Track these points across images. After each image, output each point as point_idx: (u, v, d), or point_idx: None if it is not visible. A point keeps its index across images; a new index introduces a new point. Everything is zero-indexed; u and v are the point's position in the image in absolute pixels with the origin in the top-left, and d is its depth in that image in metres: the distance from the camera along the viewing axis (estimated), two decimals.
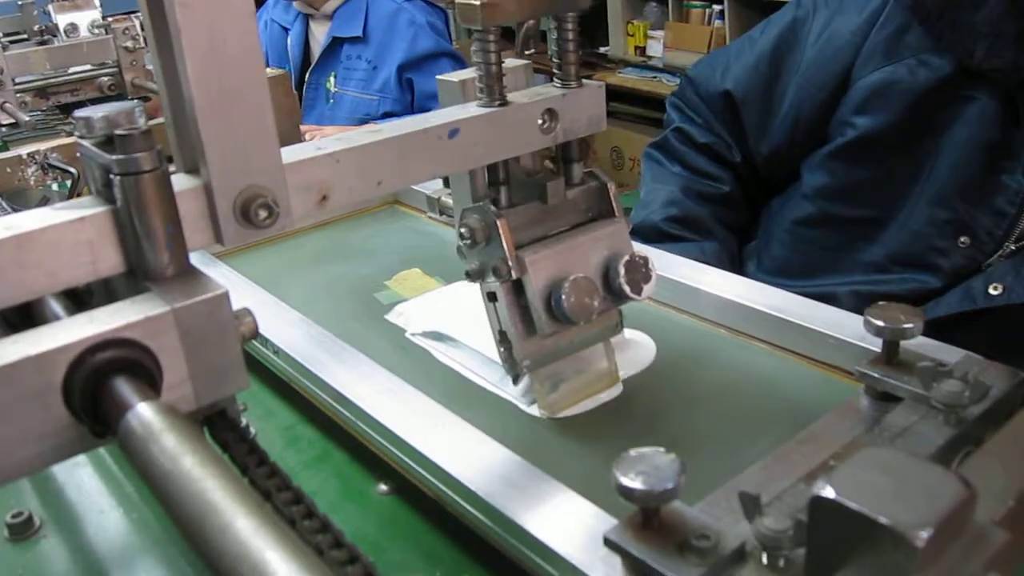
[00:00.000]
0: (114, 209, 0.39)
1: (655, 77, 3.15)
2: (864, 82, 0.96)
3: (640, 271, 0.60)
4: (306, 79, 2.20)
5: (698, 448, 0.60)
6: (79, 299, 0.42)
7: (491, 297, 0.60)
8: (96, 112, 0.39)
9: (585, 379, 0.65)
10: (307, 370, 0.65)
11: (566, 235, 0.59)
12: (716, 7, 2.98)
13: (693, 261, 0.81)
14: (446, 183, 0.96)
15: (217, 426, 0.41)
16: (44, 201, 1.02)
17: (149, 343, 0.37)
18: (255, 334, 0.41)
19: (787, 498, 0.42)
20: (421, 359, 0.74)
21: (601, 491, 0.46)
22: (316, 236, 1.03)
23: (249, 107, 0.41)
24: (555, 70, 0.58)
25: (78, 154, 0.41)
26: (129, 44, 1.33)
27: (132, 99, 1.27)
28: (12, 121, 1.24)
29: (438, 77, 0.62)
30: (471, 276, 0.59)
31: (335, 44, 2.16)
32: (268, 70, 1.18)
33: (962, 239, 0.92)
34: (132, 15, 1.34)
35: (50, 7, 1.45)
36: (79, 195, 0.89)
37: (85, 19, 1.42)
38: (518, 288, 0.58)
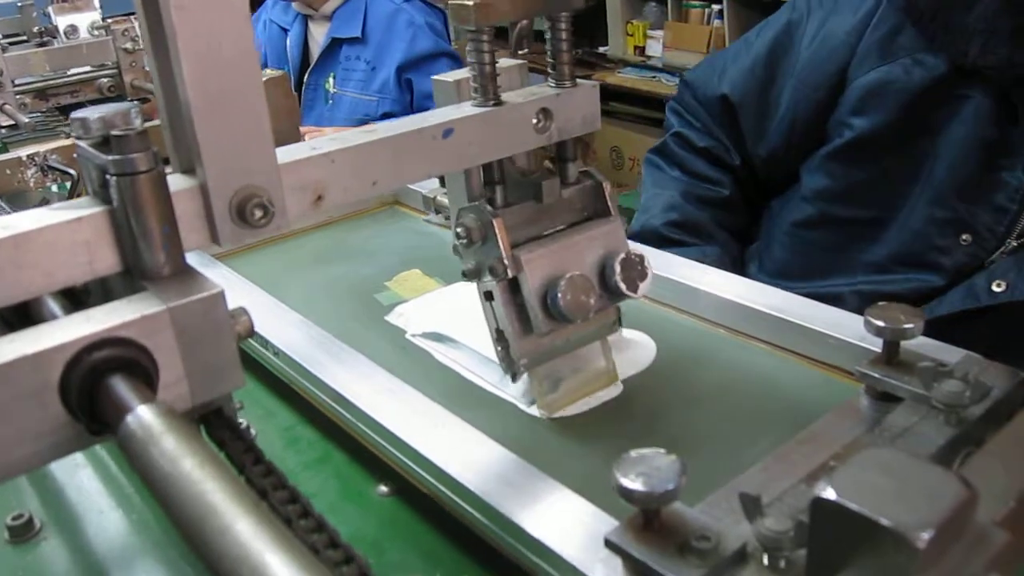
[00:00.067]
0: (111, 209, 0.39)
1: (654, 77, 3.14)
2: (860, 83, 0.96)
3: (636, 269, 0.60)
4: (305, 80, 2.20)
5: (698, 448, 0.60)
6: (76, 298, 0.43)
7: (488, 296, 0.60)
8: (93, 113, 0.39)
9: (583, 378, 0.66)
10: (307, 371, 0.65)
11: (562, 234, 0.60)
12: (715, 7, 2.98)
13: (693, 262, 0.81)
14: (442, 183, 0.97)
15: (213, 424, 0.42)
16: (44, 203, 1.02)
17: (145, 342, 0.37)
18: (250, 333, 0.42)
19: (788, 499, 0.42)
20: (421, 360, 0.74)
21: (601, 492, 0.46)
22: (316, 237, 1.03)
23: (244, 108, 0.41)
24: (549, 70, 0.58)
25: (75, 155, 0.41)
26: (129, 45, 1.32)
27: (132, 100, 1.27)
28: (12, 123, 1.24)
29: (433, 77, 0.62)
30: (467, 275, 0.59)
31: (334, 45, 2.16)
32: (268, 71, 1.19)
33: (963, 237, 0.92)
34: (132, 16, 1.34)
35: (50, 9, 1.45)
36: (78, 196, 0.89)
37: (85, 20, 1.42)
38: (514, 287, 0.58)
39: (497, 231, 0.56)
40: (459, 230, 0.58)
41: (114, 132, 0.38)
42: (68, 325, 0.36)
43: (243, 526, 0.29)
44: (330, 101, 2.17)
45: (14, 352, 0.35)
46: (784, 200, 1.11)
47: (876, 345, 0.56)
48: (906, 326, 0.53)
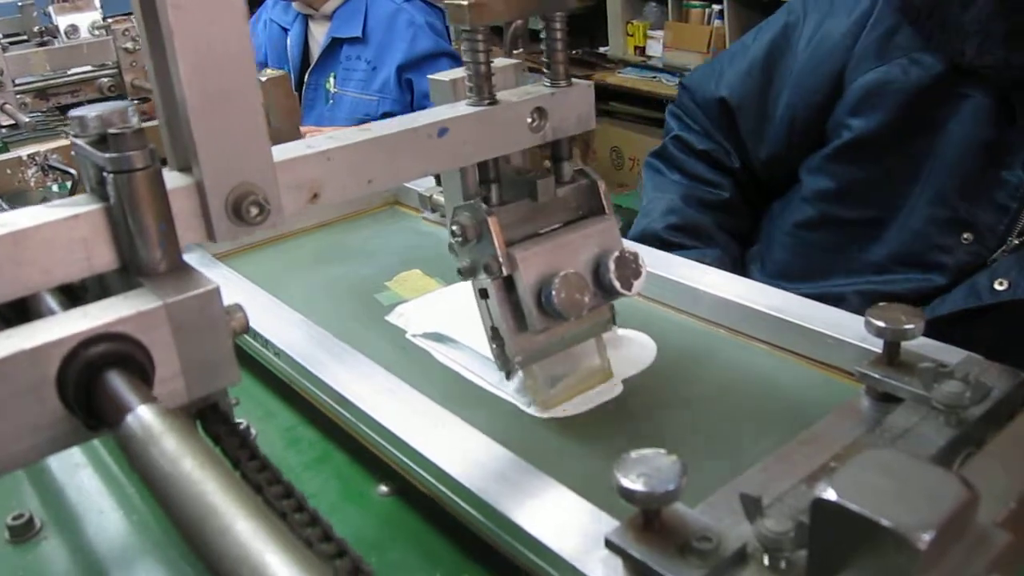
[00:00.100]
0: (108, 206, 0.40)
1: (655, 77, 3.14)
2: (858, 83, 0.96)
3: (630, 267, 0.60)
4: (305, 80, 2.20)
5: (699, 449, 0.60)
6: (74, 295, 0.43)
7: (483, 294, 0.60)
8: (90, 111, 0.40)
9: (578, 375, 0.66)
10: (308, 371, 0.65)
11: (557, 232, 0.60)
12: (716, 7, 2.98)
13: (693, 261, 0.82)
14: (438, 181, 0.97)
15: (209, 419, 0.42)
16: (44, 202, 1.02)
17: (141, 337, 0.38)
18: (246, 329, 0.42)
19: (788, 499, 0.42)
20: (421, 360, 0.74)
21: (601, 492, 0.46)
22: (316, 237, 1.03)
23: (241, 107, 0.42)
24: (544, 69, 0.58)
25: (73, 153, 0.42)
26: (129, 45, 1.33)
27: (132, 100, 1.27)
28: (12, 122, 1.24)
29: (429, 77, 0.63)
30: (463, 273, 0.59)
31: (334, 45, 2.16)
32: (268, 71, 1.18)
33: (965, 236, 0.92)
34: (132, 16, 1.34)
35: (50, 8, 1.45)
36: None
37: (85, 20, 1.42)
38: (509, 285, 0.59)
39: (492, 229, 0.57)
40: (454, 228, 0.58)
41: (111, 130, 0.39)
42: (65, 321, 0.37)
43: (243, 526, 0.29)
44: (331, 101, 2.17)
45: (11, 347, 0.35)
46: (784, 202, 1.11)
47: (876, 346, 0.56)
48: (907, 327, 0.53)
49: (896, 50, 0.94)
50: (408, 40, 2.08)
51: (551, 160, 0.61)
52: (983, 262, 0.92)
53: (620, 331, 0.75)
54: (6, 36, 1.47)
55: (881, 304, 0.55)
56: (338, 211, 1.06)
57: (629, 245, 0.62)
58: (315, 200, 0.47)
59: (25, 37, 1.50)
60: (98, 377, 0.36)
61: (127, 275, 0.40)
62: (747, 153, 1.12)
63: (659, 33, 3.19)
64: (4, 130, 1.31)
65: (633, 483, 0.39)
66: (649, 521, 0.41)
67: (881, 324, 0.53)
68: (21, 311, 0.41)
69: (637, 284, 0.60)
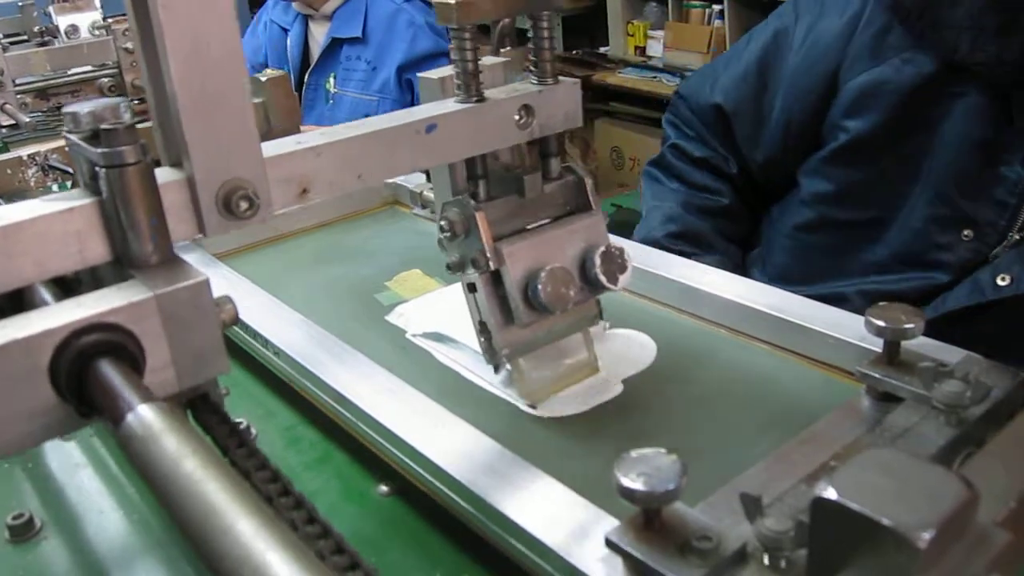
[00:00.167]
0: (100, 200, 0.40)
1: (655, 77, 3.14)
2: (852, 85, 0.96)
3: (616, 262, 0.61)
4: (306, 80, 2.20)
5: (699, 448, 0.60)
6: (68, 287, 0.44)
7: (471, 288, 0.61)
8: (83, 107, 0.41)
9: (565, 368, 0.67)
10: (308, 371, 0.65)
11: (544, 228, 0.61)
12: (716, 7, 2.98)
13: (693, 262, 0.82)
14: (428, 178, 0.99)
15: (200, 409, 0.43)
16: None
17: (132, 327, 0.39)
18: (235, 320, 0.43)
19: (788, 499, 0.42)
20: (421, 360, 0.74)
21: (602, 491, 0.46)
22: (316, 237, 1.03)
23: (230, 105, 0.42)
24: (532, 67, 0.59)
25: (67, 148, 0.43)
26: (129, 45, 1.33)
27: (133, 100, 1.27)
28: (12, 122, 1.24)
29: (419, 75, 0.64)
30: (451, 268, 0.61)
31: (334, 45, 2.16)
32: (268, 71, 1.18)
33: (965, 233, 0.92)
34: None
35: (51, 8, 1.45)
36: None
37: (86, 20, 1.42)
38: (497, 279, 0.60)
39: (480, 224, 0.58)
40: (443, 224, 0.59)
41: (103, 126, 0.39)
42: (58, 311, 0.38)
43: (245, 526, 0.29)
44: (331, 101, 2.17)
45: (5, 337, 0.36)
46: (783, 205, 1.11)
47: (877, 345, 0.56)
48: (907, 326, 0.53)
49: (889, 50, 0.94)
50: (408, 40, 2.08)
51: (539, 156, 0.62)
52: (984, 258, 0.92)
53: (620, 331, 0.75)
54: (6, 36, 1.47)
55: (881, 304, 0.55)
56: (338, 211, 1.06)
57: (615, 241, 0.62)
58: (305, 195, 0.48)
59: (25, 37, 1.50)
60: (90, 366, 0.37)
61: (120, 268, 0.41)
62: (744, 158, 1.12)
63: (659, 33, 3.19)
64: (4, 130, 1.31)
65: (633, 482, 0.40)
66: (649, 520, 0.41)
67: (881, 324, 0.53)
68: (16, 302, 0.42)
69: (623, 279, 0.61)
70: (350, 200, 1.07)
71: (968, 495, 0.31)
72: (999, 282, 0.89)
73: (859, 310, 0.67)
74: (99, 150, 0.39)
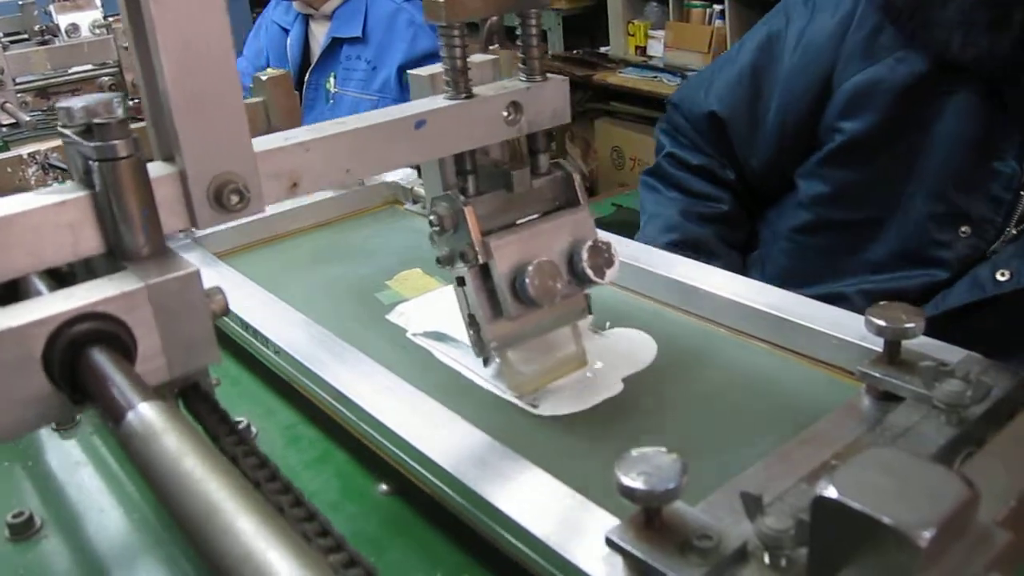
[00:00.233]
0: (93, 194, 0.41)
1: (656, 77, 3.14)
2: (846, 86, 0.97)
3: (603, 256, 0.62)
4: (306, 79, 2.20)
5: (699, 448, 0.60)
6: (62, 279, 0.44)
7: (460, 282, 0.62)
8: (76, 103, 0.41)
9: (553, 361, 0.67)
10: (308, 370, 0.65)
11: (532, 222, 0.62)
12: (717, 7, 2.98)
13: (694, 261, 0.82)
14: (420, 173, 1.00)
15: (191, 398, 0.44)
16: None
17: (124, 317, 0.40)
18: (225, 311, 0.44)
19: (789, 498, 0.42)
20: (422, 359, 0.74)
21: (602, 491, 0.46)
22: (316, 236, 1.03)
23: (221, 101, 0.43)
24: (520, 65, 0.60)
25: (61, 142, 0.44)
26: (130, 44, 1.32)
27: (133, 99, 1.27)
28: (13, 121, 1.25)
29: (409, 72, 0.65)
30: (441, 262, 0.62)
31: (334, 44, 2.16)
32: (269, 70, 1.18)
33: (963, 229, 0.92)
34: None
35: (51, 7, 1.45)
36: None
37: (86, 19, 1.42)
38: (485, 273, 0.60)
39: (468, 219, 0.58)
40: (432, 218, 0.60)
41: (96, 120, 0.40)
42: (50, 301, 0.39)
43: (245, 524, 0.29)
44: (331, 100, 2.17)
45: None
46: (780, 208, 1.11)
47: (877, 345, 0.56)
48: (907, 325, 0.53)
49: (882, 50, 0.94)
50: (408, 40, 2.08)
51: (528, 152, 0.63)
52: (982, 254, 0.92)
53: (621, 330, 0.75)
54: (7, 35, 1.47)
55: (881, 303, 0.55)
56: (338, 210, 1.06)
57: (603, 235, 0.63)
58: (295, 189, 0.49)
59: (26, 36, 1.50)
60: (82, 354, 0.38)
61: (113, 259, 0.42)
62: (741, 164, 1.12)
63: (660, 33, 3.19)
64: (5, 129, 1.31)
65: (634, 481, 0.40)
66: (650, 519, 0.41)
67: (881, 323, 0.53)
68: (11, 293, 0.42)
69: (610, 273, 0.62)
70: (350, 199, 1.07)
71: (969, 494, 0.31)
72: (999, 277, 0.89)
73: (860, 310, 0.67)
74: (92, 144, 0.40)
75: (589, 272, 0.61)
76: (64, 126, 0.42)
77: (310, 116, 2.16)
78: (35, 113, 1.37)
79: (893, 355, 0.55)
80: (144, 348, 0.40)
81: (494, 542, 0.50)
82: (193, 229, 0.94)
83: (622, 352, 0.71)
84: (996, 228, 0.91)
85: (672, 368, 0.70)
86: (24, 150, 0.97)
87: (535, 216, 0.63)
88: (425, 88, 0.63)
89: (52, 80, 1.40)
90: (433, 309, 0.80)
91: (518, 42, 0.60)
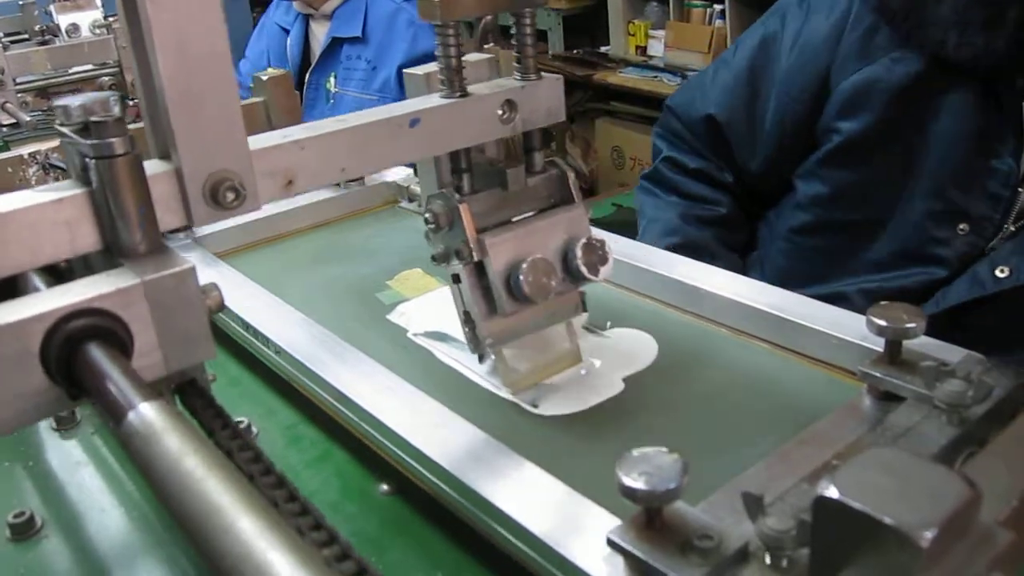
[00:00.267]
0: (90, 191, 0.42)
1: (656, 76, 3.14)
2: (843, 86, 0.97)
3: (597, 253, 0.62)
4: (306, 79, 2.20)
5: (700, 448, 0.60)
6: (60, 275, 0.45)
7: (455, 279, 0.62)
8: (74, 101, 0.42)
9: (547, 358, 0.68)
10: (309, 370, 0.65)
11: (527, 220, 0.62)
12: (717, 7, 2.98)
13: (694, 261, 0.82)
14: (416, 172, 1.01)
15: (187, 393, 0.45)
16: None
17: (121, 313, 0.40)
18: (221, 307, 0.44)
19: (790, 498, 0.42)
20: (423, 359, 0.74)
21: (603, 490, 0.46)
22: (317, 236, 1.03)
23: (217, 99, 0.43)
24: (515, 63, 0.61)
25: (59, 140, 0.45)
26: None
27: (133, 99, 1.27)
28: (13, 121, 1.25)
29: (405, 71, 0.66)
30: (436, 259, 0.62)
31: (335, 44, 2.15)
32: (270, 70, 1.18)
33: (961, 226, 0.92)
34: None
35: (51, 7, 1.45)
36: None
37: (87, 19, 1.42)
38: (480, 270, 0.61)
39: (463, 216, 0.59)
40: (427, 216, 0.60)
41: (93, 118, 0.41)
42: (48, 297, 0.39)
43: (246, 524, 0.29)
44: (331, 100, 2.17)
45: None
46: (779, 209, 1.12)
47: (878, 345, 0.56)
48: (908, 325, 0.53)
49: (878, 50, 0.94)
50: (409, 40, 2.08)
51: (523, 151, 0.63)
52: (981, 251, 0.92)
53: (621, 330, 0.75)
54: (7, 35, 1.47)
55: (882, 303, 0.55)
56: (339, 210, 1.06)
57: (597, 233, 0.64)
58: (290, 187, 0.49)
59: (26, 36, 1.50)
60: (79, 349, 0.38)
61: (109, 256, 0.43)
62: (739, 166, 1.12)
63: (660, 33, 3.19)
64: (5, 129, 1.31)
65: (635, 481, 0.39)
66: (651, 520, 0.41)
67: (882, 323, 0.53)
68: (9, 289, 0.43)
69: (604, 270, 0.62)
70: (351, 199, 1.07)
71: (970, 494, 0.31)
72: (998, 274, 0.89)
73: (860, 309, 0.67)
74: (89, 142, 0.41)
75: (583, 269, 0.61)
76: (61, 124, 0.42)
77: (310, 116, 2.16)
78: (35, 113, 1.37)
79: (894, 355, 0.55)
80: (140, 344, 0.41)
81: (495, 542, 0.50)
82: (193, 229, 0.95)
83: (623, 352, 0.71)
84: (994, 225, 0.91)
85: (673, 368, 0.70)
86: (25, 150, 0.97)
87: (530, 214, 0.63)
88: (420, 87, 0.63)
89: (52, 80, 1.40)
90: (434, 309, 0.80)
91: (513, 41, 0.60)
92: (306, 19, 2.23)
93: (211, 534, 0.29)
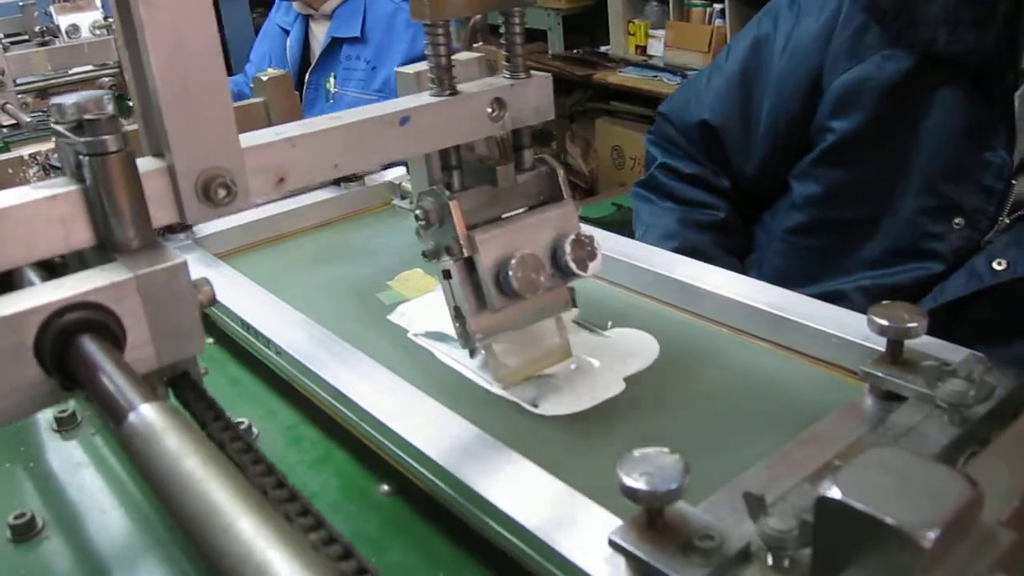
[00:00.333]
0: (84, 188, 0.42)
1: (656, 76, 3.14)
2: (835, 85, 0.97)
3: (586, 249, 0.63)
4: (306, 79, 2.20)
5: (701, 448, 0.60)
6: (55, 270, 0.45)
7: (446, 275, 0.63)
8: (68, 99, 0.42)
9: (537, 352, 0.68)
10: (309, 370, 0.65)
11: (516, 217, 0.63)
12: (717, 6, 2.98)
13: (695, 260, 0.82)
14: (408, 169, 1.02)
15: (180, 386, 0.45)
16: None
17: (113, 306, 0.41)
18: (212, 301, 0.45)
19: (792, 498, 0.42)
20: (423, 359, 0.74)
21: (604, 491, 0.46)
22: (317, 236, 1.03)
23: (209, 98, 0.44)
24: (504, 62, 0.61)
25: (54, 139, 0.45)
26: None
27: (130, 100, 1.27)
28: (13, 122, 1.25)
29: (396, 69, 0.67)
30: (427, 255, 0.63)
31: (334, 44, 2.16)
32: (270, 70, 1.18)
33: (956, 221, 0.92)
34: None
35: (51, 8, 1.45)
36: None
37: (86, 20, 1.42)
38: (470, 266, 0.61)
39: (453, 213, 0.59)
40: (418, 213, 0.61)
41: (86, 116, 0.41)
42: (42, 291, 0.40)
43: (245, 524, 0.29)
44: (331, 100, 2.17)
45: None
46: (774, 210, 1.12)
47: (879, 344, 0.56)
48: (910, 325, 0.53)
49: (868, 49, 0.95)
50: (408, 40, 2.08)
51: (513, 148, 0.64)
52: (977, 245, 0.92)
53: (622, 330, 0.75)
54: (7, 36, 1.47)
55: (884, 302, 0.55)
56: (339, 210, 1.06)
57: (586, 229, 0.64)
58: (282, 184, 0.50)
59: (26, 37, 1.50)
60: (73, 343, 0.39)
61: (103, 252, 0.43)
62: (735, 170, 1.13)
63: (660, 32, 3.19)
64: (5, 130, 1.31)
65: (636, 482, 0.39)
66: (652, 520, 0.41)
67: (884, 323, 0.53)
68: (5, 284, 0.43)
69: (593, 266, 0.63)
70: (352, 199, 1.07)
71: (972, 494, 0.31)
72: (995, 267, 0.89)
73: (858, 306, 0.67)
74: (82, 139, 0.41)
75: (572, 265, 0.62)
76: (56, 122, 0.43)
77: (310, 116, 2.13)
78: (36, 114, 1.37)
79: (896, 354, 0.54)
80: (133, 337, 0.41)
81: (495, 542, 0.50)
82: (194, 230, 0.95)
83: (624, 351, 0.71)
84: (989, 218, 0.91)
85: (674, 368, 0.70)
86: (25, 151, 0.97)
87: (520, 210, 0.64)
88: (411, 85, 0.64)
89: (52, 81, 1.40)
90: (434, 309, 0.80)
91: (502, 40, 0.61)
92: (306, 19, 2.23)
93: (211, 534, 0.29)
